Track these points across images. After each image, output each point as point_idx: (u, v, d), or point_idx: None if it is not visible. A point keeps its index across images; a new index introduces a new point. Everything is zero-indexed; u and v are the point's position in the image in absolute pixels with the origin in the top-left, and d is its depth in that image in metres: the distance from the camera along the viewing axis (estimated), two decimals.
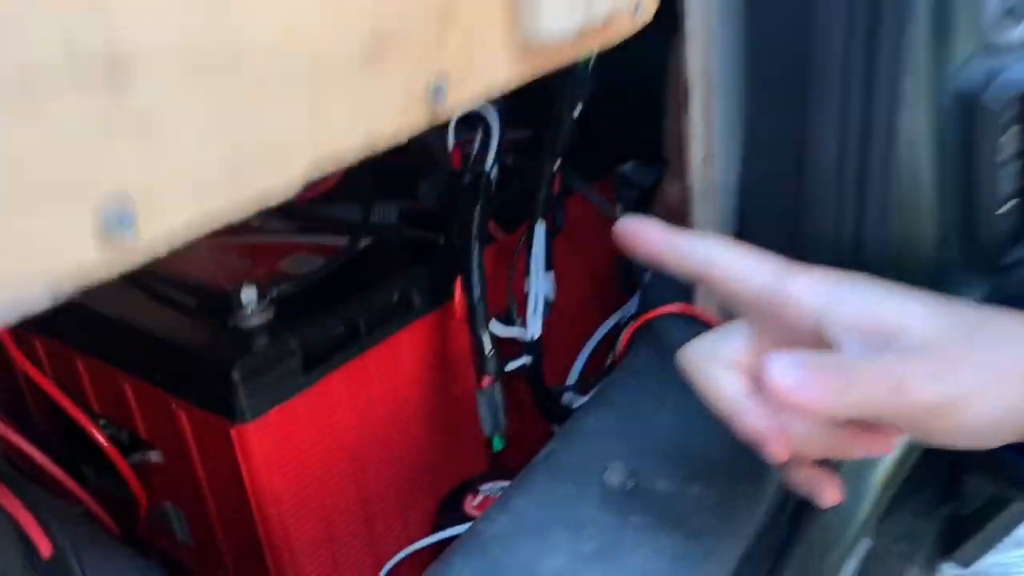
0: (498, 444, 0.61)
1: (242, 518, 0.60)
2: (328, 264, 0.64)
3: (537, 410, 0.69)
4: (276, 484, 0.58)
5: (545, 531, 0.49)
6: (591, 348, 0.77)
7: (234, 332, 0.58)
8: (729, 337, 0.44)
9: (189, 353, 0.58)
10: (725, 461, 0.53)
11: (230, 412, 0.56)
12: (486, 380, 0.61)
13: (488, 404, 0.60)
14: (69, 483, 0.69)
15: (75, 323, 0.67)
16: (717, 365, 0.43)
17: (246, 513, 0.59)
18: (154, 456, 0.66)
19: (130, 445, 0.68)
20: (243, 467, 0.57)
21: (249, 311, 0.58)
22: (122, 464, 0.68)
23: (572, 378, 0.76)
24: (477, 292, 0.60)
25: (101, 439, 0.67)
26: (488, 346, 0.60)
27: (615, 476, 0.53)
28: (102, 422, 0.70)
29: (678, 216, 0.70)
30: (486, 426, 0.61)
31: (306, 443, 0.59)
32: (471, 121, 0.65)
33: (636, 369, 0.62)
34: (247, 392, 0.55)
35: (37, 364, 0.71)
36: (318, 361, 0.59)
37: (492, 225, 0.69)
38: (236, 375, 0.55)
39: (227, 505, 0.61)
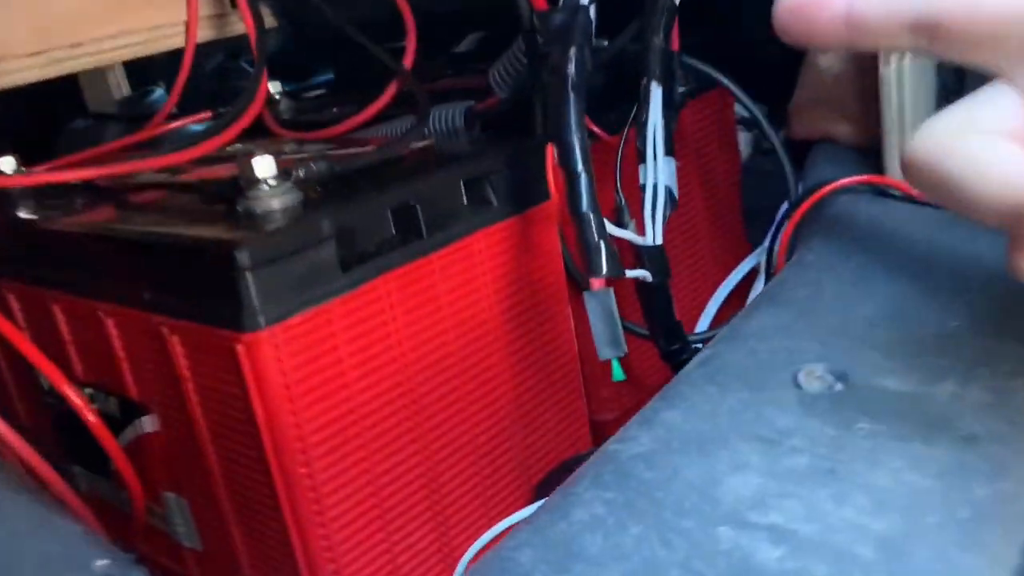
0: (618, 372, 0.43)
1: (260, 489, 0.42)
2: (378, 152, 0.48)
3: (658, 350, 0.51)
4: (304, 428, 0.40)
5: (720, 446, 0.31)
6: (727, 291, 0.58)
7: (245, 216, 0.42)
8: (989, 102, 0.26)
9: (180, 248, 0.41)
10: (986, 351, 0.34)
11: (235, 317, 0.39)
12: (597, 282, 0.43)
13: (602, 312, 0.42)
14: (51, 476, 0.52)
15: (48, 255, 0.52)
16: (984, 135, 0.25)
17: (265, 479, 0.41)
18: (148, 424, 0.49)
19: (121, 417, 0.52)
20: (255, 397, 0.39)
21: (266, 188, 0.42)
22: (110, 444, 0.51)
23: (703, 325, 0.57)
24: (577, 159, 0.43)
25: (78, 402, 0.50)
26: (596, 236, 0.43)
27: (814, 378, 0.34)
28: (88, 392, 0.53)
29: (837, 96, 0.53)
30: (600, 345, 0.42)
31: (345, 372, 0.41)
32: None
33: (813, 260, 0.44)
34: (259, 286, 0.38)
35: (10, 320, 0.55)
36: (362, 258, 0.42)
37: (590, 123, 0.52)
38: (242, 259, 0.38)
39: (239, 473, 0.44)
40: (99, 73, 0.97)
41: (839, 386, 0.34)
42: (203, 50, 1.02)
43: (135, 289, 0.44)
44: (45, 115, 0.98)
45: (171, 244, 0.41)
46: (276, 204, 0.42)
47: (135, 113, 0.94)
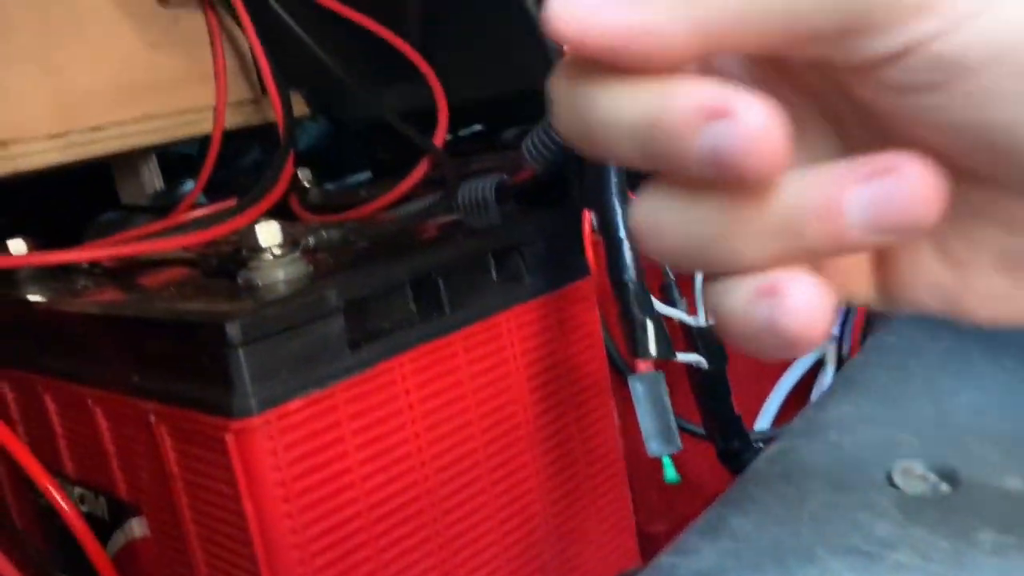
0: (671, 473, 0.37)
1: None
2: (398, 221, 0.44)
3: (715, 449, 0.44)
4: (302, 533, 0.35)
5: (805, 560, 0.24)
6: (790, 384, 0.52)
7: (246, 288, 0.37)
8: None
9: (167, 323, 0.37)
10: None
11: (225, 401, 0.33)
12: (643, 364, 0.37)
13: (651, 400, 0.36)
14: None
15: (39, 339, 0.48)
16: None
17: None
18: (137, 527, 0.44)
19: (110, 520, 0.46)
20: (246, 495, 0.34)
21: (269, 257, 0.37)
22: (96, 552, 0.46)
23: (763, 422, 0.51)
24: (619, 224, 0.38)
25: (65, 506, 0.45)
26: (641, 312, 0.37)
27: (913, 477, 0.28)
28: (78, 492, 0.48)
29: None
30: (649, 438, 0.36)
31: (351, 468, 0.36)
32: None
33: (895, 343, 0.37)
34: (252, 365, 0.33)
35: (6, 416, 0.51)
36: (374, 335, 0.37)
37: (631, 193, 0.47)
38: (232, 333, 0.33)
39: None
40: (132, 167, 0.96)
41: (945, 487, 0.28)
42: (239, 143, 1.01)
43: (123, 372, 0.39)
44: (79, 209, 0.96)
45: (157, 320, 0.37)
46: (280, 275, 0.37)
47: (166, 205, 0.92)
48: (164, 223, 0.72)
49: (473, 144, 0.79)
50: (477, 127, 0.86)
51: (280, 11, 0.68)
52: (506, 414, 0.41)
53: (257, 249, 0.37)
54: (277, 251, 0.37)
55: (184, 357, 0.36)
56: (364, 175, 1.04)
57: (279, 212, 0.62)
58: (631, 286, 0.37)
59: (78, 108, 0.64)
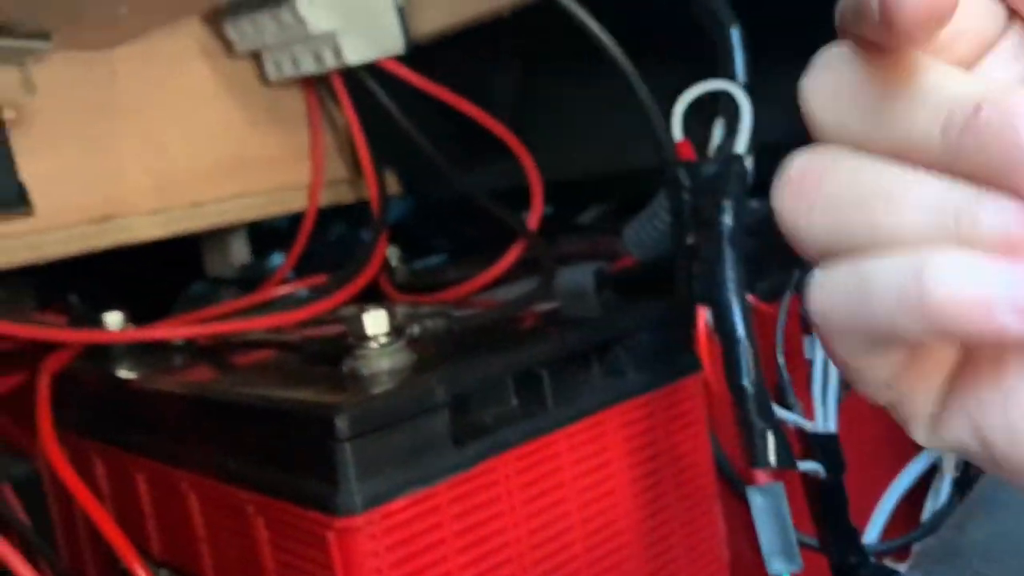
0: None
1: None
2: (500, 310, 0.43)
3: (830, 564, 0.41)
4: None
5: None
6: (901, 491, 0.49)
7: (350, 378, 0.36)
8: None
9: (270, 412, 0.36)
10: None
11: (328, 497, 0.32)
12: (762, 475, 0.35)
13: (772, 514, 0.34)
14: None
15: (134, 416, 0.48)
16: None
17: None
18: None
19: None
20: None
21: (375, 346, 0.36)
22: None
23: (871, 534, 0.48)
24: (737, 322, 0.36)
25: None
26: (759, 422, 0.35)
27: None
28: (163, 574, 0.47)
29: None
30: (770, 556, 0.34)
31: (452, 570, 0.34)
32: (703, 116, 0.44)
33: None
34: (359, 460, 0.32)
35: (95, 489, 0.51)
36: (478, 431, 0.36)
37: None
38: (341, 426, 0.32)
39: None
40: (221, 239, 0.97)
41: None
42: (324, 217, 1.02)
43: (220, 458, 0.39)
44: (166, 280, 0.98)
45: (260, 408, 0.36)
46: (385, 364, 0.36)
47: (253, 278, 0.93)
48: (254, 298, 0.73)
49: (551, 226, 0.79)
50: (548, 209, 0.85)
51: (378, 90, 0.69)
52: (609, 518, 0.39)
53: (363, 337, 0.36)
54: (383, 340, 0.36)
55: (286, 447, 0.35)
56: (441, 257, 1.04)
57: (368, 290, 0.62)
58: (750, 390, 0.35)
59: (179, 184, 0.65)
